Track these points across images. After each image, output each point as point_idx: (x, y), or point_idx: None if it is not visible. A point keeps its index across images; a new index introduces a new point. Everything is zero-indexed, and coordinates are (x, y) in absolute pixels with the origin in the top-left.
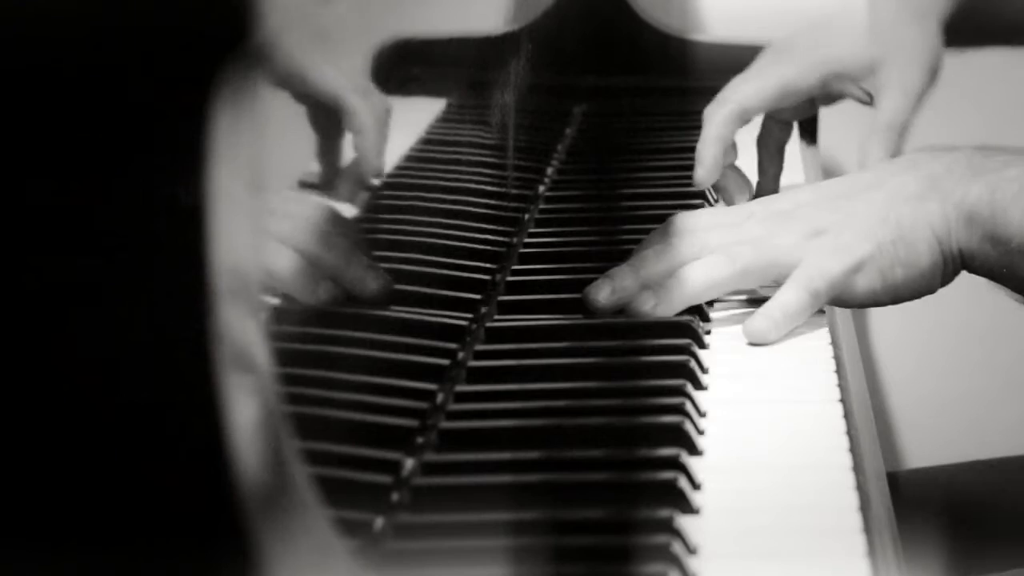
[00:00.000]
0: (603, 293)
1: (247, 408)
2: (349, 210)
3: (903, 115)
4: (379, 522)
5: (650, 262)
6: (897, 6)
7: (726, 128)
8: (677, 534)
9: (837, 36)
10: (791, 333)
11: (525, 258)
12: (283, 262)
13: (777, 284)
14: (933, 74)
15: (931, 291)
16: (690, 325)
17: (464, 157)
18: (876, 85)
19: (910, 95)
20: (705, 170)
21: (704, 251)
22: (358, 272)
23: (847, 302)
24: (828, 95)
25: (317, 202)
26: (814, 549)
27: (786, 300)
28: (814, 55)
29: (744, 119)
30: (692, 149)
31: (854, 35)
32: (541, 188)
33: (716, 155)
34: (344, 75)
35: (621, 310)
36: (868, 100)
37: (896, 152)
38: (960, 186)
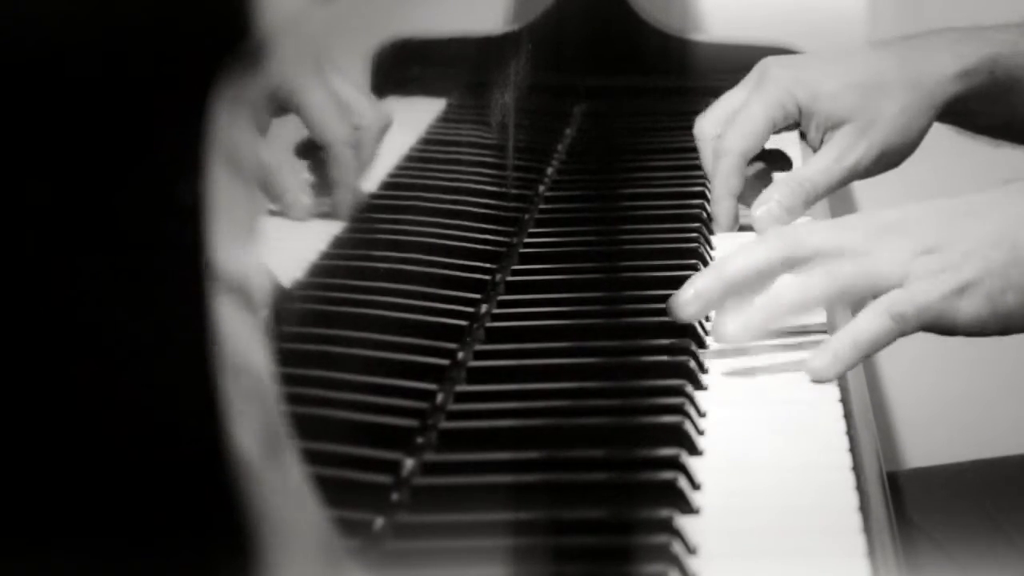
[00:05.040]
0: (688, 302)
1: (246, 408)
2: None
3: (821, 179)
4: (379, 522)
5: (735, 263)
6: (896, 71)
7: (733, 179)
8: (677, 534)
9: (820, 71)
10: (791, 334)
11: (525, 258)
12: None
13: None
14: (891, 153)
15: None
16: (690, 325)
17: (464, 157)
18: (828, 138)
19: (842, 166)
20: (722, 227)
21: (797, 251)
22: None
23: (949, 329)
24: (798, 123)
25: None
26: (814, 549)
27: (859, 329)
28: (793, 78)
29: (746, 161)
30: (692, 149)
31: (837, 88)
32: (541, 188)
33: (731, 209)
34: (338, 93)
35: (622, 311)
36: (815, 149)
37: (794, 209)
38: None
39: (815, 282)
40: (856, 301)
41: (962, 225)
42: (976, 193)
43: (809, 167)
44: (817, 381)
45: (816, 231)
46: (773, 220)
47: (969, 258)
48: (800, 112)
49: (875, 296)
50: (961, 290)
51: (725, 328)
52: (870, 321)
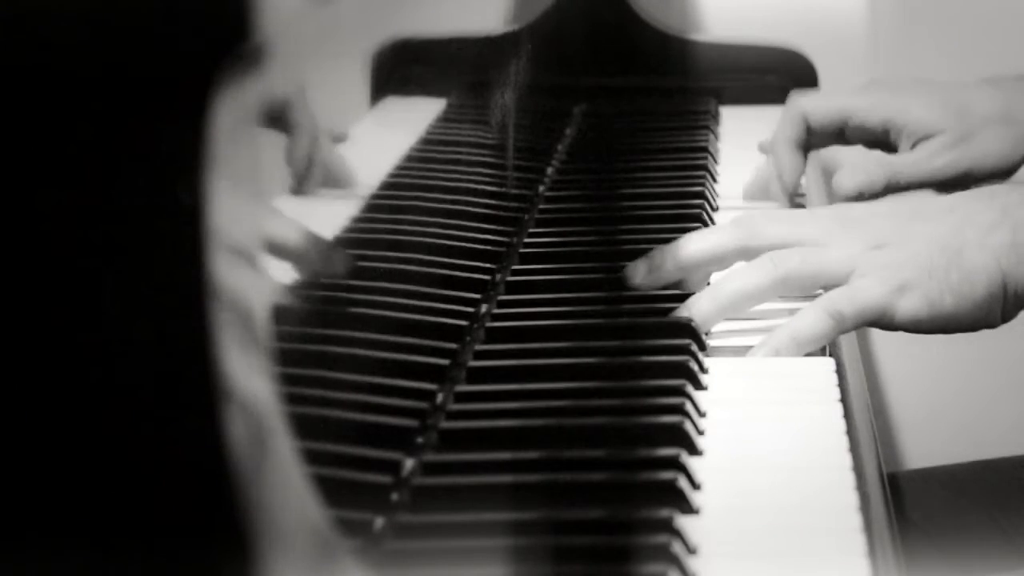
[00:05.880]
0: (640, 273)
1: (246, 408)
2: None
3: (906, 169)
4: (379, 522)
5: (690, 244)
6: (989, 101)
7: (793, 130)
8: (677, 534)
9: (914, 95)
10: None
11: (525, 258)
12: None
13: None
14: (977, 173)
15: (989, 325)
16: (690, 325)
17: (464, 157)
18: (921, 141)
19: (931, 165)
20: (786, 173)
21: (752, 240)
22: (320, 253)
23: (888, 325)
24: (884, 142)
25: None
26: (814, 549)
27: (800, 324)
28: (887, 99)
29: (805, 125)
30: (692, 149)
31: (931, 102)
32: (541, 188)
33: (790, 154)
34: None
35: (622, 311)
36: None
37: (874, 184)
38: None
39: (758, 270)
40: (804, 291)
41: (914, 226)
42: (943, 196)
43: (899, 156)
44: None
45: (774, 222)
46: (853, 184)
47: (913, 258)
48: (888, 130)
49: (820, 286)
50: (901, 289)
51: (679, 315)
52: (810, 318)
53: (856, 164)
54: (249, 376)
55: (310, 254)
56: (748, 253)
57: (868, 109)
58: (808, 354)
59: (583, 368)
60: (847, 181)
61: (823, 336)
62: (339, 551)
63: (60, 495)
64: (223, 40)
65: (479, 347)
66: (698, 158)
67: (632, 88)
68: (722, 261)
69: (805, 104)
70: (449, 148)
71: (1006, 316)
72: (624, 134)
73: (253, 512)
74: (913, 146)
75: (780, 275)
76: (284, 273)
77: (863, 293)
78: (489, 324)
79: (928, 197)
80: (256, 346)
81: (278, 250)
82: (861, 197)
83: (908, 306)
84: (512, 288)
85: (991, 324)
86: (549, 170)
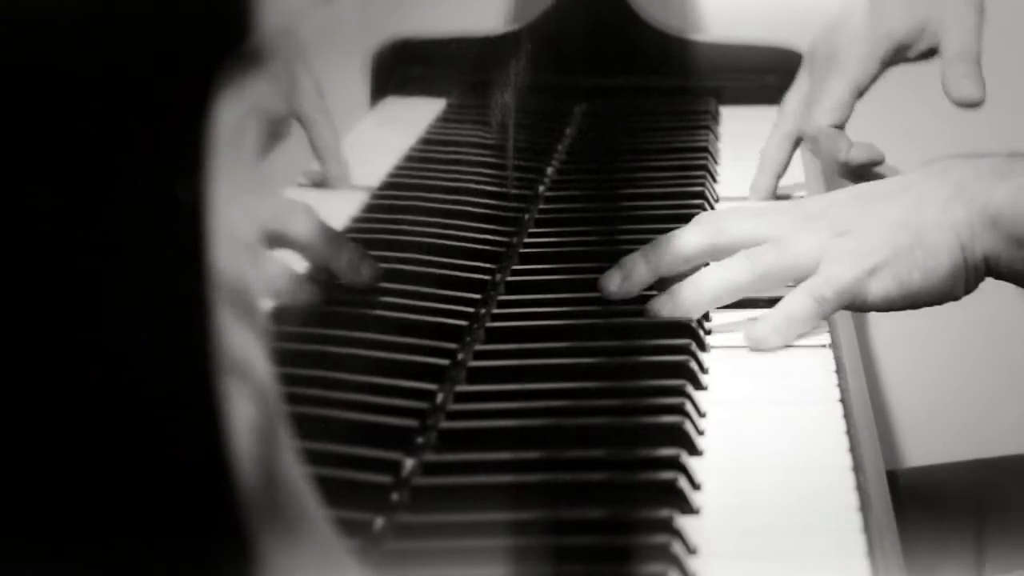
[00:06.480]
0: (614, 281)
1: (246, 408)
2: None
3: (968, 44)
4: (379, 522)
5: (661, 248)
6: None
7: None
8: (677, 534)
9: (874, 18)
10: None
11: (525, 258)
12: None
13: (794, 286)
14: (983, 10)
15: (953, 298)
16: (690, 325)
17: (464, 157)
18: (933, 37)
19: (969, 28)
20: (755, 187)
21: (721, 239)
22: (350, 258)
23: (861, 307)
24: (893, 65)
25: (298, 199)
26: (814, 549)
27: (791, 307)
28: (863, 48)
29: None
30: (692, 149)
31: (889, 9)
32: (541, 188)
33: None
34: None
35: (622, 311)
36: (932, 52)
37: (977, 82)
38: (986, 190)
39: (736, 268)
40: (779, 284)
41: (874, 209)
42: (897, 177)
43: (949, 47)
44: (756, 349)
45: (741, 219)
46: (969, 93)
47: (878, 242)
48: (892, 60)
49: (794, 278)
50: (871, 271)
51: (659, 312)
52: (797, 302)
53: (944, 77)
54: (249, 376)
55: (338, 259)
56: (716, 252)
57: (866, 65)
58: (807, 355)
59: (583, 368)
60: (965, 92)
61: (811, 317)
62: (339, 551)
63: (60, 495)
64: (223, 40)
65: (479, 347)
66: (698, 158)
67: (632, 88)
68: (690, 262)
69: (827, 117)
70: (449, 148)
71: (968, 288)
72: (624, 134)
73: (253, 512)
74: (932, 47)
75: (759, 272)
76: (288, 271)
77: (838, 278)
78: (489, 324)
79: (884, 180)
80: (256, 346)
81: (305, 252)
82: (975, 102)
83: (879, 286)
84: (512, 288)
85: (956, 297)
86: (549, 170)
